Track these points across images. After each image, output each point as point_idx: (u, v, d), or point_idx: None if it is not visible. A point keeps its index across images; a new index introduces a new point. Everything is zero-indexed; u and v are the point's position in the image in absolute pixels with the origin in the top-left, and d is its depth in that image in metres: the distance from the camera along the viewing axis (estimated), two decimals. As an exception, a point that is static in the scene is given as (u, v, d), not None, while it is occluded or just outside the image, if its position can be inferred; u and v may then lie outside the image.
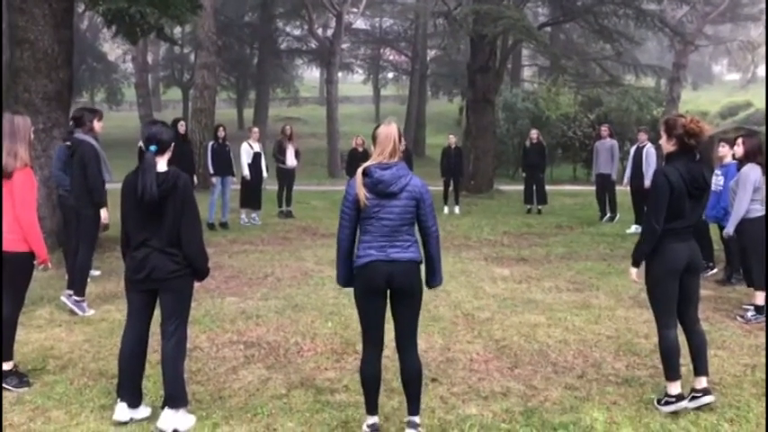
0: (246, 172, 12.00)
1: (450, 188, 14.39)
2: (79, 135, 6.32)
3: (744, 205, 6.18)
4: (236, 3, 33.80)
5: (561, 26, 27.34)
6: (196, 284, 6.98)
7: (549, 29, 29.31)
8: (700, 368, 4.20)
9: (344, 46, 38.45)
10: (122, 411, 3.95)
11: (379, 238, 3.64)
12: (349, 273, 3.80)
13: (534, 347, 5.32)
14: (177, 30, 37.76)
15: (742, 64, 35.90)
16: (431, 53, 39.99)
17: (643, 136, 11.86)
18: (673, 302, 4.17)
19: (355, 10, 31.03)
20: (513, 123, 24.95)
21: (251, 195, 12.15)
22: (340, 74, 45.85)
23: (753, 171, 6.21)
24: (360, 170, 3.64)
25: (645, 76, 29.45)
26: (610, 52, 23.00)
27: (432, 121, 37.38)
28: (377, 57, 44.57)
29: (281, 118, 38.55)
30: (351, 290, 3.85)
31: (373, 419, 3.80)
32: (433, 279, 3.89)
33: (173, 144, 4.02)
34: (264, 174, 12.45)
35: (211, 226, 11.14)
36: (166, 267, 3.85)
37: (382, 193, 3.59)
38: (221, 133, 11.68)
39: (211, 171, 11.49)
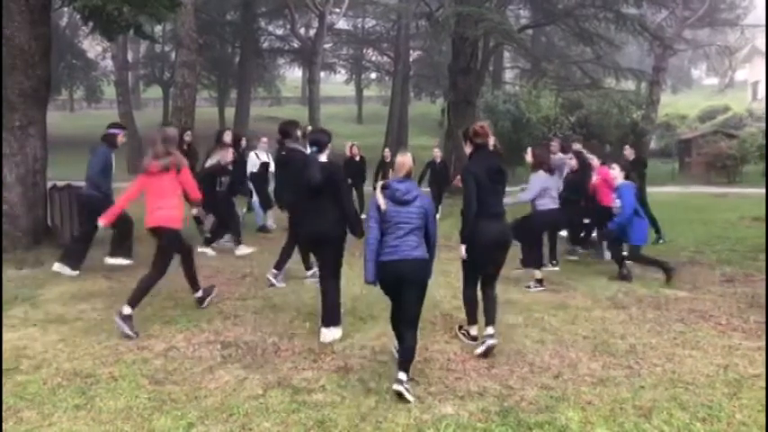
0: (250, 185, 11.05)
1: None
2: (290, 144, 7.21)
3: (524, 198, 7.89)
4: (219, 1, 33.66)
5: (543, 29, 27.57)
6: (175, 285, 7.04)
7: (530, 31, 29.54)
8: (488, 320, 5.29)
9: (327, 46, 38.44)
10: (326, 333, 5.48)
11: (395, 239, 4.59)
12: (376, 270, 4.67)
13: (511, 347, 5.34)
14: (158, 27, 37.57)
15: (720, 68, 36.33)
16: (413, 54, 40.08)
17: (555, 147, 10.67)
18: (478, 270, 5.46)
19: (338, 10, 31.05)
20: (495, 125, 25.01)
21: (263, 196, 11.16)
22: (323, 74, 45.83)
23: (536, 178, 7.83)
24: (380, 185, 4.72)
25: (625, 79, 29.74)
26: (590, 55, 23.24)
27: (414, 122, 37.54)
28: (359, 57, 44.59)
29: (263, 117, 38.44)
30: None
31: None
32: (426, 276, 4.73)
33: (329, 143, 5.77)
34: (271, 185, 11.04)
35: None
36: (330, 229, 5.50)
37: (398, 201, 4.61)
38: (227, 138, 10.50)
39: None
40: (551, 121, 24.67)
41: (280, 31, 39.89)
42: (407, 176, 4.73)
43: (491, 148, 5.58)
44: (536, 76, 26.71)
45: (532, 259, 7.68)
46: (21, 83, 8.28)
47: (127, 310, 5.45)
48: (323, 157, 5.61)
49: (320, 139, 5.67)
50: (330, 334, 5.47)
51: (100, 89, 40.45)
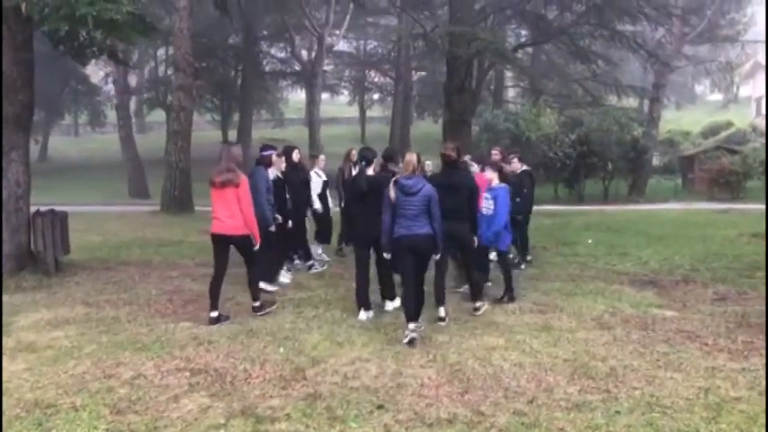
0: (318, 204, 10.21)
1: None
2: (392, 167, 7.64)
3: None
4: (220, 25, 33.87)
5: (542, 47, 27.55)
6: (153, 311, 6.95)
7: (530, 50, 29.57)
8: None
9: (329, 68, 38.64)
10: (363, 314, 6.78)
11: (406, 220, 6.10)
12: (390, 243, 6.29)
13: (488, 371, 5.19)
14: (160, 51, 37.91)
15: (721, 84, 36.22)
16: (416, 74, 40.24)
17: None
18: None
19: (338, 32, 31.21)
20: (495, 144, 24.98)
21: (324, 228, 10.44)
22: (327, 95, 46.03)
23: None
24: (393, 180, 6.21)
25: (626, 96, 29.67)
26: (591, 73, 23.20)
27: (418, 142, 37.38)
28: (361, 78, 44.78)
29: (266, 139, 38.50)
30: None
31: (414, 324, 5.98)
32: (436, 249, 6.26)
33: (374, 159, 7.02)
34: (330, 203, 10.62)
35: None
36: (376, 230, 6.45)
37: (406, 193, 6.09)
38: (296, 156, 9.46)
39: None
40: (551, 140, 24.58)
41: (281, 54, 40.15)
42: (413, 173, 6.17)
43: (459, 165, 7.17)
44: (535, 95, 26.72)
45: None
46: (3, 108, 8.24)
47: (256, 304, 6.90)
48: (370, 171, 6.97)
49: (367, 156, 7.01)
50: (391, 305, 7.07)
51: (103, 113, 40.72)
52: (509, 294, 7.62)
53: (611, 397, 4.64)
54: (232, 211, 6.55)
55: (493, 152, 10.09)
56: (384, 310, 7.02)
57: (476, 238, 7.16)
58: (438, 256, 6.44)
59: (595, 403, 4.53)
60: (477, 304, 7.01)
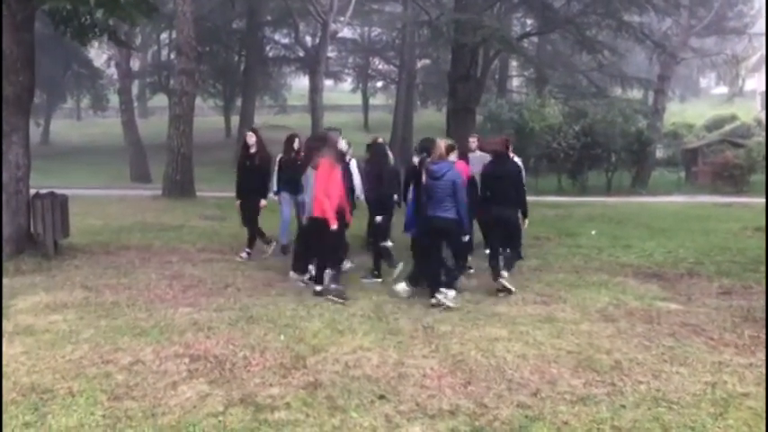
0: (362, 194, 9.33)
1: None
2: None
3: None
4: (224, 10, 33.64)
5: (548, 37, 27.34)
6: (153, 296, 6.89)
7: (536, 40, 29.36)
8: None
9: (333, 55, 38.39)
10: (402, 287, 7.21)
11: (434, 203, 6.71)
12: (412, 221, 7.46)
13: (491, 363, 5.12)
14: (163, 36, 37.67)
15: (726, 77, 35.90)
16: (420, 62, 39.99)
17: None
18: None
19: (342, 18, 30.96)
20: (499, 134, 24.86)
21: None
22: (331, 82, 45.79)
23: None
24: (425, 167, 6.99)
25: (631, 88, 29.50)
26: (595, 64, 23.02)
27: (422, 131, 37.13)
28: (365, 66, 44.54)
29: (269, 126, 38.37)
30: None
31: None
32: (461, 232, 7.11)
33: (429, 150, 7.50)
34: None
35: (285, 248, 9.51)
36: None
37: (433, 177, 6.73)
38: (296, 145, 9.23)
39: (275, 188, 9.46)
40: (555, 130, 24.44)
41: (285, 40, 39.89)
42: (440, 158, 6.81)
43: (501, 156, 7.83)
44: (540, 85, 26.52)
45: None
46: (3, 89, 8.13)
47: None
48: (415, 159, 8.01)
49: (427, 146, 7.67)
50: (403, 288, 7.18)
51: (106, 97, 40.52)
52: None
53: (617, 390, 4.57)
54: (314, 194, 7.11)
55: (470, 140, 9.97)
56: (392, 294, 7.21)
57: (526, 221, 8.01)
58: (467, 238, 7.50)
59: (600, 397, 4.46)
60: (504, 276, 7.35)
